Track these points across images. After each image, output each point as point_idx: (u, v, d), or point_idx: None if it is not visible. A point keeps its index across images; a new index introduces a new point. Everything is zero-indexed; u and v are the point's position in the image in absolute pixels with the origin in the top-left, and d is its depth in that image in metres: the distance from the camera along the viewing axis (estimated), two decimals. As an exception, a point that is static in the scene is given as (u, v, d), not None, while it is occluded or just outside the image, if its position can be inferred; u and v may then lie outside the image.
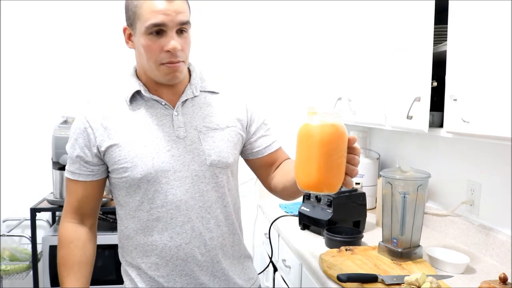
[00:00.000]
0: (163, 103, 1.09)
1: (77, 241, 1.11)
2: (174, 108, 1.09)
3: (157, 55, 1.00)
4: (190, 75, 1.14)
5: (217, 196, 1.11)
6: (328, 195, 1.77)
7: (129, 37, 1.06)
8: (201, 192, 1.08)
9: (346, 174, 0.88)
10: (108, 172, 1.10)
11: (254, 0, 2.57)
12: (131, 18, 1.01)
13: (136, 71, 1.12)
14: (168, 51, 1.00)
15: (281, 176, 1.16)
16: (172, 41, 0.99)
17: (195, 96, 1.12)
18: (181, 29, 1.01)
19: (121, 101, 1.09)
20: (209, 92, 1.15)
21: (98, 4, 2.44)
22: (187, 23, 1.01)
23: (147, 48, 1.00)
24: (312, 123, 0.85)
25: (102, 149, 1.05)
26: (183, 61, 1.04)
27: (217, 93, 1.16)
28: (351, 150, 0.88)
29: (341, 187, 0.89)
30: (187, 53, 1.05)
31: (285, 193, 1.17)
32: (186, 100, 1.11)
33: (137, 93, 1.09)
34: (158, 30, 0.98)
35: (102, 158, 1.07)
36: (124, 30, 1.06)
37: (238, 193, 1.22)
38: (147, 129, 1.06)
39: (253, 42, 2.60)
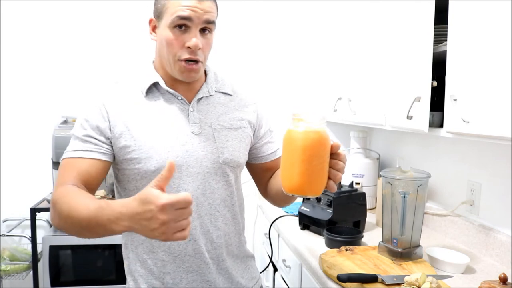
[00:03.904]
0: (179, 98, 1.09)
1: (77, 189, 0.96)
2: (189, 104, 1.10)
3: (177, 50, 1.02)
4: (205, 74, 1.16)
5: (226, 195, 1.12)
6: (328, 195, 1.77)
7: (153, 29, 1.07)
8: (212, 189, 1.09)
9: (329, 178, 0.92)
10: (116, 164, 1.07)
11: (254, 1, 2.57)
12: (159, 10, 1.03)
13: (153, 64, 1.13)
14: (189, 47, 1.01)
15: (276, 181, 1.18)
16: (194, 38, 1.01)
17: (210, 95, 1.13)
18: (205, 28, 1.03)
19: (136, 93, 1.08)
20: (223, 93, 1.16)
21: (98, 5, 2.44)
22: (212, 22, 1.03)
23: (169, 42, 1.01)
24: (295, 129, 0.89)
25: (116, 134, 1.03)
26: (201, 62, 1.05)
27: (230, 95, 1.17)
28: (335, 155, 0.91)
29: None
30: (206, 54, 1.07)
31: (277, 198, 1.21)
32: (201, 98, 1.12)
33: (154, 85, 1.09)
34: (182, 25, 1.00)
35: (112, 143, 1.04)
36: (150, 21, 1.07)
37: (243, 194, 1.23)
38: (163, 121, 1.06)
39: (252, 43, 2.60)
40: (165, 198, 0.74)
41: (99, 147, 1.03)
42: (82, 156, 1.01)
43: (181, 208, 0.76)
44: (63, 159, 1.03)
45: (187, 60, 1.02)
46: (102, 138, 1.03)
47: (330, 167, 0.91)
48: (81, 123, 1.05)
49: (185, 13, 0.99)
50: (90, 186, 1.01)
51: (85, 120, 1.05)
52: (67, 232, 0.95)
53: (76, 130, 1.05)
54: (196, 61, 1.04)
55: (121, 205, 0.81)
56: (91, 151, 1.02)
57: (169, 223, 0.75)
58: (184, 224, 0.77)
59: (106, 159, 1.04)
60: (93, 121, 1.04)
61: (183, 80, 1.07)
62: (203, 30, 1.03)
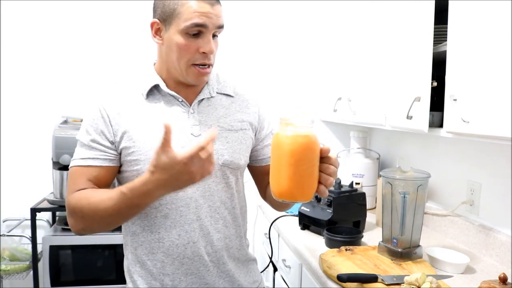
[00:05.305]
0: (180, 100, 1.09)
1: (89, 189, 1.02)
2: (190, 106, 1.10)
3: (191, 55, 1.02)
4: None
5: (226, 197, 1.12)
6: (328, 195, 1.77)
7: (156, 32, 1.06)
8: (211, 191, 1.09)
9: (320, 183, 0.89)
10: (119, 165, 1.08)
11: (255, 2, 2.57)
12: (167, 14, 1.01)
13: (154, 66, 1.12)
14: (204, 52, 1.02)
15: None
16: (210, 44, 1.02)
17: (211, 97, 1.13)
18: (215, 33, 1.04)
19: (136, 95, 1.08)
20: (225, 94, 1.16)
21: (98, 5, 2.44)
22: (222, 27, 1.04)
23: (182, 47, 1.01)
24: (282, 133, 0.87)
25: (117, 137, 1.04)
26: (212, 65, 1.06)
27: (232, 96, 1.17)
28: (325, 159, 0.89)
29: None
30: (215, 56, 1.08)
31: (275, 202, 1.20)
32: (202, 99, 1.12)
33: (155, 87, 1.09)
34: (197, 31, 1.00)
35: (116, 146, 1.05)
36: (152, 24, 1.05)
37: (245, 197, 1.22)
38: (162, 123, 1.06)
39: (253, 43, 2.60)
40: (182, 154, 0.83)
41: (105, 154, 1.04)
42: (90, 164, 1.04)
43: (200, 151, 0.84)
44: (72, 166, 1.06)
45: (200, 65, 1.03)
46: (107, 143, 1.04)
47: (321, 171, 0.89)
48: (86, 129, 1.06)
49: (201, 20, 0.99)
50: (102, 187, 1.05)
51: (90, 125, 1.05)
52: (92, 232, 1.03)
53: (82, 136, 1.07)
54: (209, 65, 1.05)
55: (143, 183, 0.88)
56: (98, 158, 1.04)
57: (196, 171, 0.85)
58: (207, 165, 0.86)
59: (114, 165, 1.06)
60: (97, 126, 1.05)
61: (194, 83, 1.08)
62: (213, 35, 1.04)
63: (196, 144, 0.84)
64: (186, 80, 1.07)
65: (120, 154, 1.06)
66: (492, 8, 1.13)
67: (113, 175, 1.07)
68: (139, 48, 2.37)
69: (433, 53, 1.41)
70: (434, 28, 1.40)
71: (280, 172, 0.87)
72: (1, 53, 2.38)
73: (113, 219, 0.98)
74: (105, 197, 0.96)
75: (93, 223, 1.00)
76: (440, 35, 1.42)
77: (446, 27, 1.33)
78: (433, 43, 1.41)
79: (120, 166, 1.08)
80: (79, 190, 1.02)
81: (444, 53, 1.34)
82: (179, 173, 0.85)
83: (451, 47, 1.31)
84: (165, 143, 0.83)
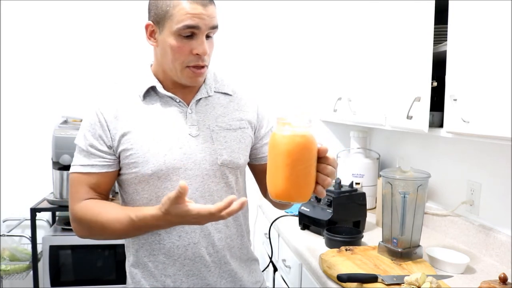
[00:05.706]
0: (178, 100, 1.09)
1: (96, 203, 1.05)
2: (188, 106, 1.09)
3: (185, 57, 1.02)
4: None
5: (226, 197, 1.11)
6: (328, 195, 1.77)
7: (151, 34, 1.05)
8: (211, 191, 1.08)
9: (318, 183, 0.88)
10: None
11: (254, 1, 2.57)
12: (160, 16, 1.01)
13: (151, 68, 1.12)
14: (197, 54, 1.01)
15: None
16: (203, 46, 1.01)
17: (209, 96, 1.13)
18: (209, 34, 1.03)
19: (134, 97, 1.08)
20: (222, 93, 1.16)
21: (98, 5, 2.44)
22: (216, 27, 1.03)
23: (175, 49, 1.01)
24: (279, 133, 0.86)
25: (115, 142, 1.04)
26: (206, 65, 1.06)
27: (230, 95, 1.17)
28: (323, 160, 0.88)
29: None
30: (210, 57, 1.07)
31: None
32: (200, 99, 1.12)
33: (152, 89, 1.09)
34: (190, 33, 0.99)
35: (115, 151, 1.05)
36: (147, 26, 1.05)
37: (246, 196, 1.22)
38: (160, 125, 1.06)
39: (253, 43, 2.59)
40: (195, 209, 0.89)
41: (104, 159, 1.05)
42: (90, 171, 1.05)
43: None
44: (72, 173, 1.07)
45: (194, 66, 1.03)
46: (105, 148, 1.04)
47: (318, 171, 0.88)
48: (83, 134, 1.06)
49: (193, 22, 0.98)
50: (102, 196, 1.08)
51: (87, 130, 1.06)
52: (96, 240, 1.10)
53: (80, 141, 1.07)
54: (203, 66, 1.04)
55: (154, 218, 0.93)
56: (97, 165, 1.05)
57: (205, 222, 0.93)
58: (218, 219, 0.91)
59: (113, 170, 1.07)
60: (95, 131, 1.05)
61: (190, 85, 1.08)
62: (207, 35, 1.03)
63: (207, 210, 0.89)
64: (181, 81, 1.06)
65: (119, 157, 1.06)
66: (492, 8, 1.13)
67: (113, 179, 1.08)
68: (139, 48, 2.37)
69: (433, 53, 1.41)
70: (434, 28, 1.40)
71: (277, 172, 0.85)
72: (1, 53, 2.38)
73: (120, 237, 1.04)
74: (112, 218, 1.00)
75: (99, 237, 1.08)
76: (440, 35, 1.42)
77: (446, 27, 1.33)
78: (433, 43, 1.41)
79: (120, 169, 1.08)
80: (83, 200, 1.04)
81: (444, 53, 1.34)
82: (189, 221, 0.92)
83: (451, 47, 1.31)
84: (180, 198, 0.87)
